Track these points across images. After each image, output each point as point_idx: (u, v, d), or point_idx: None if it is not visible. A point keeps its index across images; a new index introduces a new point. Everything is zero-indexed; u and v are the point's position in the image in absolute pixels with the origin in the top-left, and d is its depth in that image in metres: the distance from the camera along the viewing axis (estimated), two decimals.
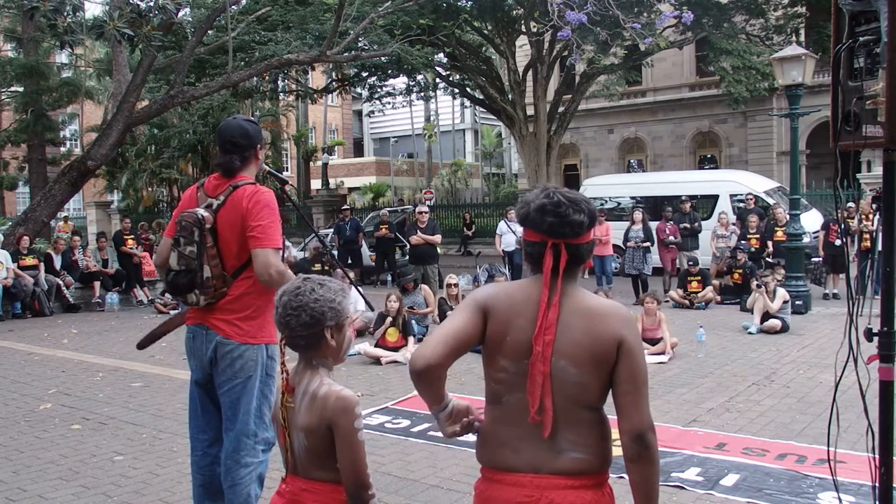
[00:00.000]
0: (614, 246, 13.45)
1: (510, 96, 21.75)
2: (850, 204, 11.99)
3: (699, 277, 11.58)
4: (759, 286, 9.37)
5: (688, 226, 13.09)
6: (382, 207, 22.58)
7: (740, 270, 11.77)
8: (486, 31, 21.83)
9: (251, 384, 3.13)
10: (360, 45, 17.48)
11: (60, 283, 12.96)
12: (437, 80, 25.28)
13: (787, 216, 11.67)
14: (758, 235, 12.58)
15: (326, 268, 11.90)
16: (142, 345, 3.63)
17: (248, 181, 3.21)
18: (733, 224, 13.48)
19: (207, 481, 3.25)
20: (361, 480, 1.95)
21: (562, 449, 1.81)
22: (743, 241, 12.39)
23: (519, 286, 1.93)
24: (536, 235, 1.88)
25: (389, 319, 8.20)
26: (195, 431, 3.30)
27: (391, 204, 27.53)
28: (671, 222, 12.97)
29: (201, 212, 3.13)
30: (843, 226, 11.70)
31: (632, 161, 30.84)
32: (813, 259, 12.39)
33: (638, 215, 12.63)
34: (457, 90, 25.36)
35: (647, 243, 12.29)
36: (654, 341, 8.04)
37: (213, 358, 3.14)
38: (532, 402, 1.79)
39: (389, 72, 22.66)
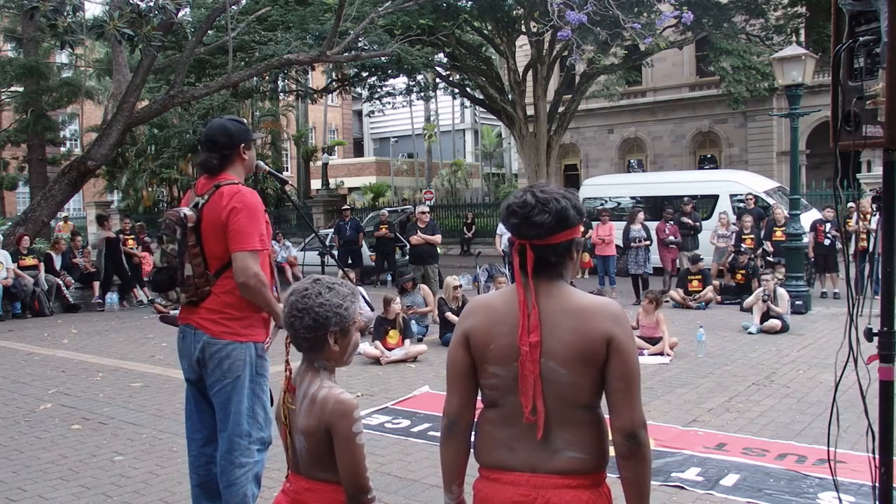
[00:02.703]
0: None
1: (510, 96, 21.75)
2: (851, 204, 12.00)
3: (699, 276, 11.57)
4: (765, 300, 9.27)
5: (689, 221, 13.09)
6: (382, 207, 22.58)
7: (743, 271, 11.78)
8: (486, 31, 21.82)
9: (240, 384, 3.11)
10: (360, 45, 17.48)
11: (60, 283, 12.97)
12: (437, 80, 25.27)
13: (787, 216, 11.68)
14: (752, 236, 12.60)
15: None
16: (166, 319, 3.61)
17: (233, 181, 3.16)
18: (734, 224, 13.49)
19: (203, 481, 3.25)
20: (360, 484, 1.94)
21: (558, 448, 1.81)
22: (741, 244, 12.39)
23: (500, 294, 1.93)
24: (511, 235, 1.88)
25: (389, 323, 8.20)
26: (190, 431, 3.31)
27: (392, 204, 27.52)
28: (671, 222, 12.97)
29: (185, 210, 3.14)
30: (835, 223, 11.73)
31: (632, 161, 30.83)
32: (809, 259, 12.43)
33: (641, 215, 12.64)
34: (457, 90, 25.34)
35: (647, 242, 12.30)
36: (653, 340, 8.04)
37: (201, 358, 3.13)
38: (525, 404, 1.78)
39: (389, 72, 22.65)
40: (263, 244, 3.08)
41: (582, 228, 1.92)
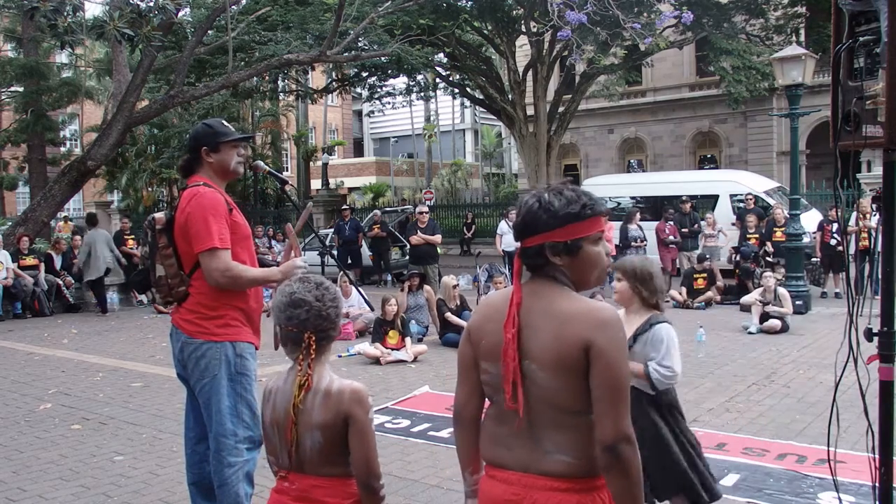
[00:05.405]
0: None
1: (510, 96, 21.75)
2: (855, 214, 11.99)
3: (704, 274, 11.52)
4: (764, 303, 9.25)
5: (686, 230, 13.09)
6: (382, 207, 22.59)
7: (737, 270, 11.78)
8: (486, 31, 21.83)
9: (218, 383, 3.11)
10: (360, 45, 17.49)
11: (60, 283, 12.97)
12: (437, 80, 25.27)
13: (787, 216, 11.67)
14: (757, 235, 12.59)
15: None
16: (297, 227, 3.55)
17: (198, 182, 3.18)
18: (732, 224, 13.49)
19: (198, 479, 3.27)
20: (373, 469, 2.04)
21: (548, 450, 1.79)
22: (747, 243, 12.38)
23: (501, 293, 1.94)
24: None
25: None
26: (185, 429, 3.35)
27: (392, 204, 27.52)
28: (671, 222, 12.96)
29: (156, 214, 3.23)
30: (838, 225, 11.72)
31: (632, 161, 30.83)
32: (812, 259, 12.41)
33: (637, 216, 12.67)
34: (457, 90, 25.34)
35: (644, 242, 12.33)
36: None
37: (181, 358, 3.17)
38: (507, 390, 1.79)
39: (389, 72, 22.66)
40: (223, 242, 3.06)
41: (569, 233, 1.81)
